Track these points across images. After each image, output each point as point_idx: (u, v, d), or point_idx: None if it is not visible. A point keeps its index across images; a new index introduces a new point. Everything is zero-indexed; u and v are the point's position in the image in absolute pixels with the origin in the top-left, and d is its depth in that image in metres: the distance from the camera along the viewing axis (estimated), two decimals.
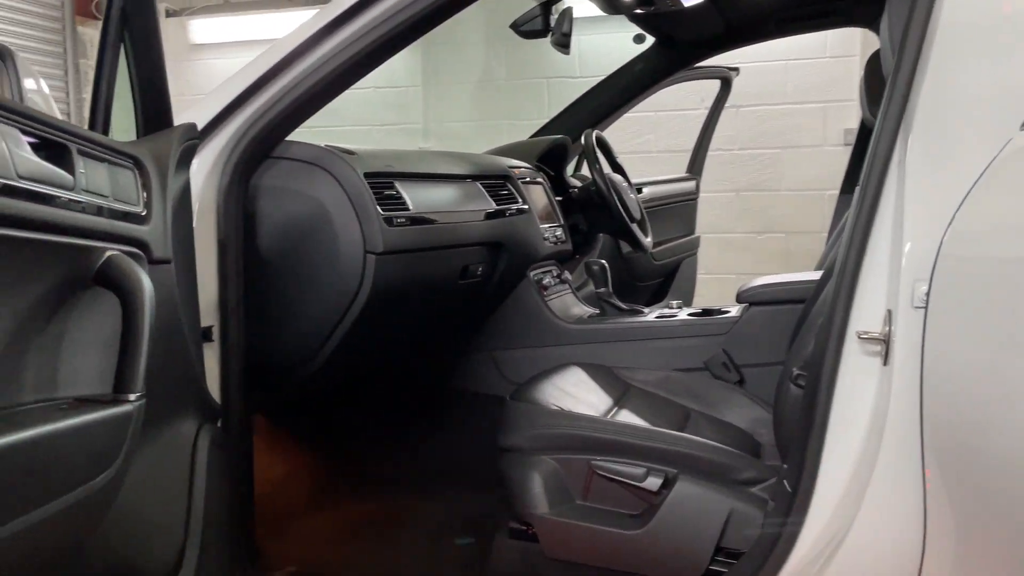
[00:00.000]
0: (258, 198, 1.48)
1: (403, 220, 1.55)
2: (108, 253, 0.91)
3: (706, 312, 2.01)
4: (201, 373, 1.23)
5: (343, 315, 1.50)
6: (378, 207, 1.49)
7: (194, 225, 1.32)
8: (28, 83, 1.03)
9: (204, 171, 1.40)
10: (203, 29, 5.38)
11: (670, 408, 1.73)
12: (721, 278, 4.56)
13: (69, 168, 0.86)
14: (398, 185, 1.60)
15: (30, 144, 0.81)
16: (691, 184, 3.64)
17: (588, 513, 1.44)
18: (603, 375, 1.80)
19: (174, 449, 1.12)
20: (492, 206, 1.89)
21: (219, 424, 1.31)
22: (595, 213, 2.41)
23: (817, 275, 1.81)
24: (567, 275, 2.24)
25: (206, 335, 1.38)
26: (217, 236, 1.41)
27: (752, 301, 1.90)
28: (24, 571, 0.75)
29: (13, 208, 0.74)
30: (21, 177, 0.76)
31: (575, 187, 2.49)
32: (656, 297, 3.38)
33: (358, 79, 1.40)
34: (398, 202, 1.57)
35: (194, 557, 1.11)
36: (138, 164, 1.06)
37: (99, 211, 0.91)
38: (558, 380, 1.70)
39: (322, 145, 1.52)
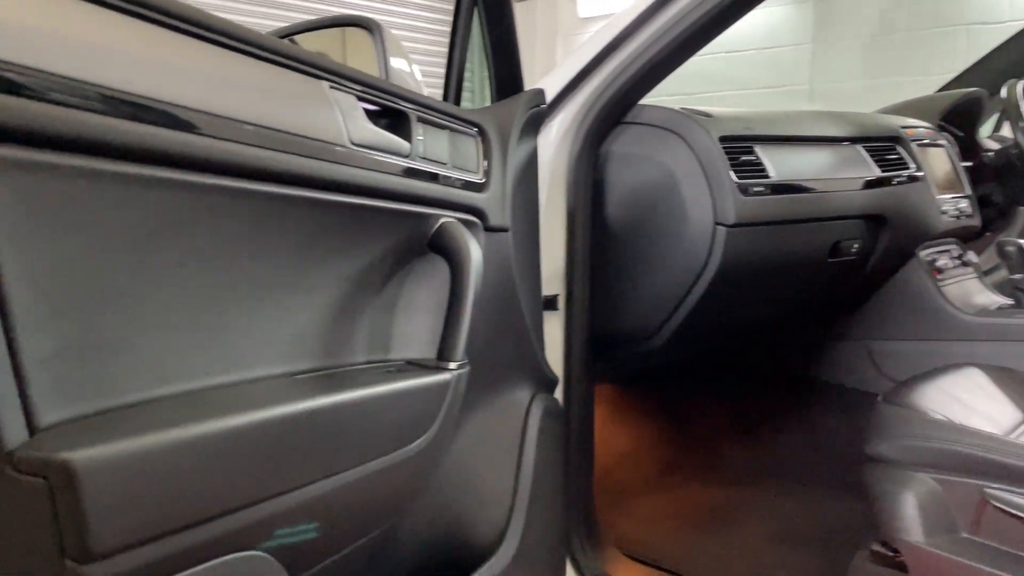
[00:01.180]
0: (606, 166, 1.43)
1: (761, 188, 1.38)
2: (442, 220, 0.91)
3: None
4: (538, 342, 1.22)
5: (688, 291, 1.39)
6: (732, 174, 1.35)
7: (543, 194, 1.32)
8: (396, 62, 1.07)
9: (555, 139, 1.38)
10: (590, 3, 5.59)
11: None
12: None
13: (406, 135, 0.88)
14: (758, 150, 1.43)
15: (369, 112, 0.83)
16: None
17: (976, 550, 1.17)
18: (1011, 383, 1.46)
19: (505, 417, 1.13)
20: (875, 173, 1.62)
21: (556, 395, 1.30)
22: (1016, 181, 1.97)
23: None
24: (972, 256, 1.86)
25: (551, 304, 1.38)
26: (566, 205, 1.39)
27: None
28: (347, 526, 0.79)
29: (344, 175, 0.76)
30: (354, 144, 0.78)
31: (990, 150, 2.06)
32: None
33: (714, 36, 1.27)
34: (757, 168, 1.41)
35: (519, 528, 1.11)
36: (481, 132, 1.06)
37: (435, 179, 0.92)
38: (948, 383, 1.41)
39: (677, 108, 1.42)
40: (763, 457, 1.91)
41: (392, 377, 0.82)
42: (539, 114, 1.23)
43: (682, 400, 2.05)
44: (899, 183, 1.66)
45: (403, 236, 0.89)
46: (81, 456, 0.50)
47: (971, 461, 1.19)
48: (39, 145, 0.52)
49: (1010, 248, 1.73)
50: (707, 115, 1.42)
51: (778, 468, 1.87)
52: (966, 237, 1.93)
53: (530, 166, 1.22)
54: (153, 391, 0.61)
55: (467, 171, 1.01)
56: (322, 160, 0.74)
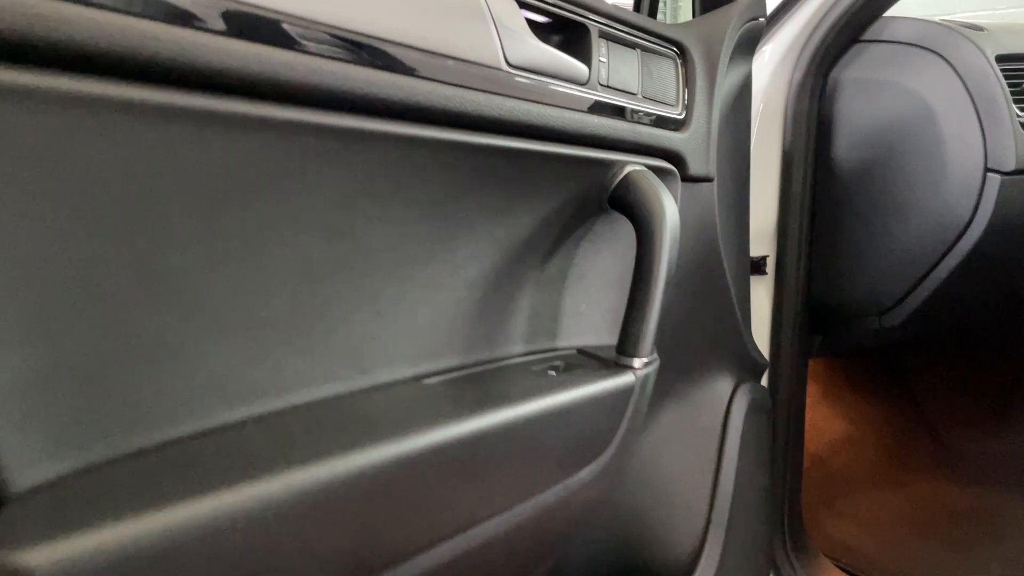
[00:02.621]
0: (837, 96, 1.15)
1: None
2: (628, 168, 0.70)
3: None
4: (744, 319, 0.99)
5: (942, 257, 1.10)
6: (1014, 107, 1.03)
7: (754, 132, 1.07)
8: None
9: (772, 63, 1.12)
10: None
11: None
12: None
13: (585, 55, 0.67)
14: None
15: (535, 25, 0.63)
16: None
17: None
18: None
19: (702, 412, 0.91)
20: None
21: (763, 382, 1.07)
22: None
23: None
24: None
25: (758, 267, 1.13)
26: (782, 146, 1.13)
27: None
28: (505, 572, 0.61)
29: (498, 109, 0.57)
30: (513, 67, 0.58)
31: None
32: None
33: None
34: None
35: (717, 546, 0.90)
36: (682, 51, 0.83)
37: (621, 113, 0.71)
38: None
39: (936, 20, 1.10)
40: (1015, 451, 1.56)
41: (558, 383, 0.62)
42: (757, 29, 0.97)
43: (916, 374, 1.73)
44: None
45: (577, 189, 0.68)
46: (49, 559, 0.32)
47: None
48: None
49: None
50: (978, 28, 1.09)
51: None
52: None
53: (742, 97, 0.97)
54: (210, 419, 0.44)
55: (663, 104, 0.78)
56: (470, 89, 0.55)
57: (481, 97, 0.56)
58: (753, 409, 0.97)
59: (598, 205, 0.71)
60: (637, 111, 0.73)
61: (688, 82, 0.83)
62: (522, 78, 0.59)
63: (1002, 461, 1.56)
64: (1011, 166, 1.02)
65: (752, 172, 1.12)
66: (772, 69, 1.13)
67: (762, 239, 1.15)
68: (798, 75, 1.12)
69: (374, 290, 0.53)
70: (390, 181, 0.52)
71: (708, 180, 0.85)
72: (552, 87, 0.63)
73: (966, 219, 1.06)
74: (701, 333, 0.89)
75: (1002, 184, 1.02)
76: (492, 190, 0.61)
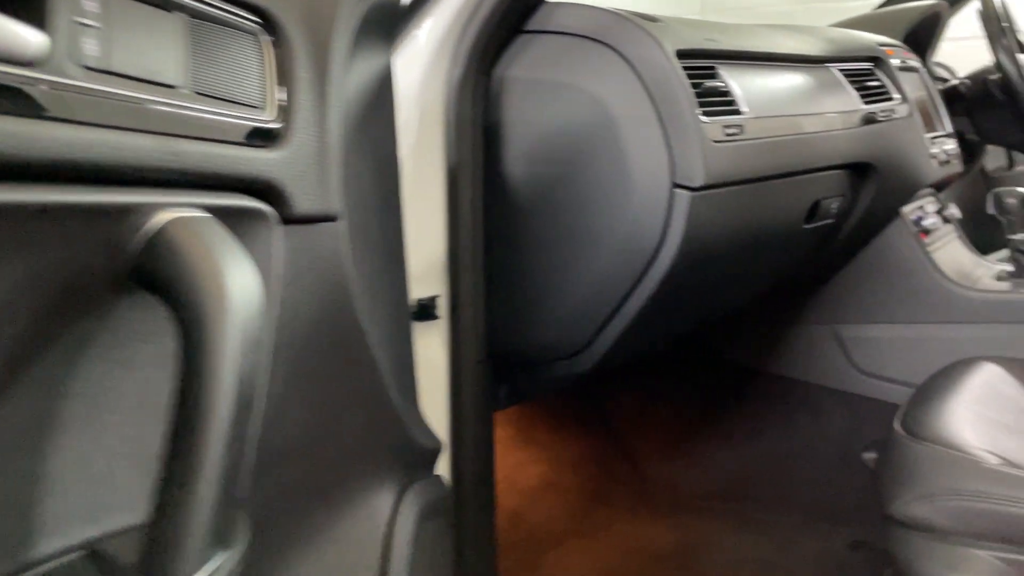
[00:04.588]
0: (504, 100, 0.94)
1: (735, 131, 0.92)
2: (160, 219, 0.40)
3: None
4: (405, 393, 0.73)
5: (634, 286, 0.93)
6: (698, 111, 0.88)
7: (406, 144, 0.83)
8: None
9: (425, 56, 0.88)
10: None
11: None
12: None
13: (37, 11, 0.35)
14: (723, 72, 0.97)
15: None
16: None
17: None
18: None
19: (349, 554, 0.63)
20: (858, 105, 1.20)
21: (439, 462, 0.82)
22: (992, 115, 1.61)
23: None
24: (954, 210, 1.49)
25: (427, 311, 0.89)
26: (446, 160, 0.89)
27: None
28: None
29: None
30: None
31: (960, 80, 1.69)
32: None
33: None
34: (726, 100, 0.95)
35: None
36: (271, 26, 0.54)
37: (143, 116, 0.40)
38: (975, 394, 1.02)
39: (607, 9, 0.93)
40: (716, 478, 1.50)
41: None
42: (389, 7, 0.72)
43: (613, 404, 1.61)
44: (886, 119, 1.24)
45: (67, 261, 0.37)
46: None
47: None
48: None
49: (1011, 200, 1.36)
50: (653, 19, 0.94)
51: (736, 492, 1.47)
52: (941, 186, 1.55)
53: (380, 99, 0.71)
54: None
55: (237, 105, 0.49)
56: None
57: None
58: (426, 516, 0.71)
59: (115, 283, 0.40)
60: (182, 115, 0.43)
61: (284, 74, 0.54)
62: None
63: (699, 487, 1.49)
64: (700, 181, 0.87)
65: (412, 194, 0.87)
66: (426, 63, 0.89)
67: (431, 275, 0.90)
68: (457, 72, 0.89)
69: None
70: None
71: (330, 219, 0.57)
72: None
73: (655, 243, 0.89)
74: (337, 440, 0.61)
75: (692, 201, 0.87)
76: None
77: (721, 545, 1.36)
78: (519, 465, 1.43)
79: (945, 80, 1.79)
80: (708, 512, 1.44)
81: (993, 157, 2.24)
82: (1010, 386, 1.07)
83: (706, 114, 0.89)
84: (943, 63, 2.00)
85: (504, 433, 1.46)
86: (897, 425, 0.97)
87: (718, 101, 0.93)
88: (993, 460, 0.87)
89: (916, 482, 0.89)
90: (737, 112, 0.95)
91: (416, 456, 0.71)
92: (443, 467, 0.92)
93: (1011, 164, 2.30)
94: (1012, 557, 0.82)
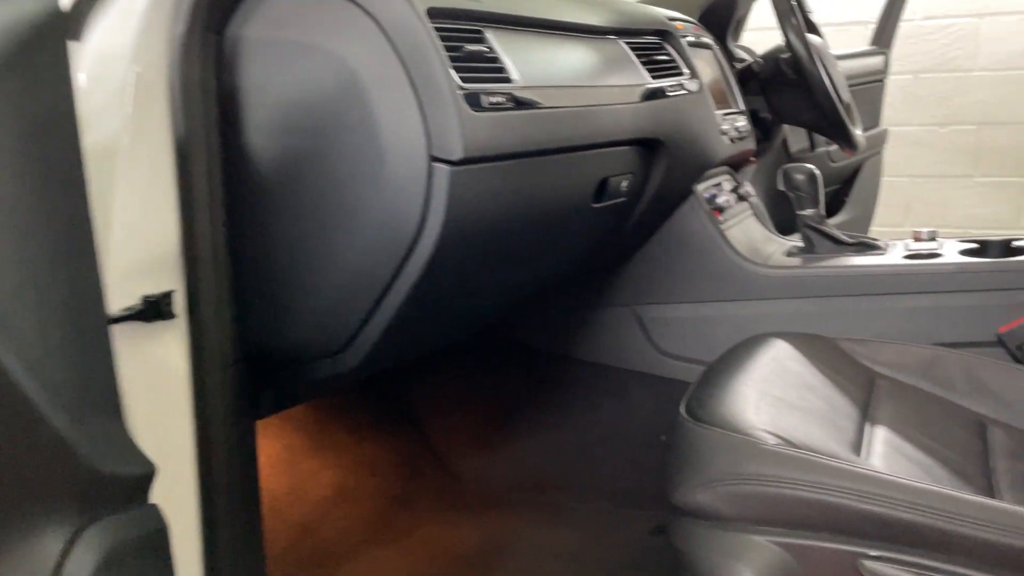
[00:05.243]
0: (240, 63, 0.82)
1: (500, 100, 0.85)
2: None
3: (991, 248, 1.24)
4: (90, 419, 0.60)
5: (397, 271, 0.84)
6: (454, 74, 0.79)
7: (127, 112, 0.70)
8: None
9: (137, 11, 0.75)
10: None
11: (954, 418, 1.01)
12: (892, 182, 3.64)
13: None
14: (491, 37, 0.89)
15: None
16: (878, 60, 2.77)
17: None
18: (829, 358, 1.09)
19: None
20: (646, 80, 1.16)
21: (165, 486, 0.69)
22: (785, 95, 1.63)
23: None
24: (748, 188, 1.50)
25: (155, 310, 0.76)
26: (174, 133, 0.77)
27: None
28: None
29: None
30: None
31: (754, 59, 1.71)
32: (828, 212, 2.60)
33: None
34: (492, 67, 0.87)
35: None
36: None
37: None
38: (761, 372, 1.01)
39: None
40: (525, 470, 1.44)
41: None
42: None
43: (418, 398, 1.52)
44: (675, 94, 1.21)
45: None
46: None
47: (838, 515, 0.78)
48: None
49: (799, 176, 1.37)
50: None
51: (546, 482, 1.41)
52: (736, 165, 1.56)
53: (35, 48, 0.58)
54: None
55: None
56: None
57: None
58: (117, 559, 0.59)
59: None
60: None
61: None
62: None
63: (505, 479, 1.42)
64: (459, 154, 0.78)
65: (131, 173, 0.74)
66: (141, 19, 0.75)
67: (161, 268, 0.77)
68: (180, 29, 0.77)
69: None
70: None
71: None
72: None
73: (416, 223, 0.80)
74: None
75: (453, 177, 0.79)
76: None
77: (530, 540, 1.30)
78: (311, 474, 1.31)
79: (744, 61, 1.82)
80: (518, 505, 1.39)
81: (797, 139, 2.32)
82: (796, 362, 1.06)
83: (467, 80, 0.81)
84: (745, 46, 2.04)
85: (293, 440, 1.34)
86: (682, 409, 0.94)
87: (483, 68, 0.85)
88: (772, 441, 0.84)
89: (698, 468, 0.86)
90: (506, 80, 0.87)
91: (102, 487, 0.59)
92: (186, 489, 0.80)
93: (813, 146, 2.39)
94: (788, 541, 0.79)
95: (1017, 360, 1.13)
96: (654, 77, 1.18)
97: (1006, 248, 1.24)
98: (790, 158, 2.23)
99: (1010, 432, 1.00)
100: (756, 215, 1.50)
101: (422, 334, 1.01)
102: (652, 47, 1.24)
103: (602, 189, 1.09)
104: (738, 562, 0.80)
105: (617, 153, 1.10)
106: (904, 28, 3.60)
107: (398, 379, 1.48)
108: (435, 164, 0.78)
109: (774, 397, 0.95)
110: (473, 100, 0.80)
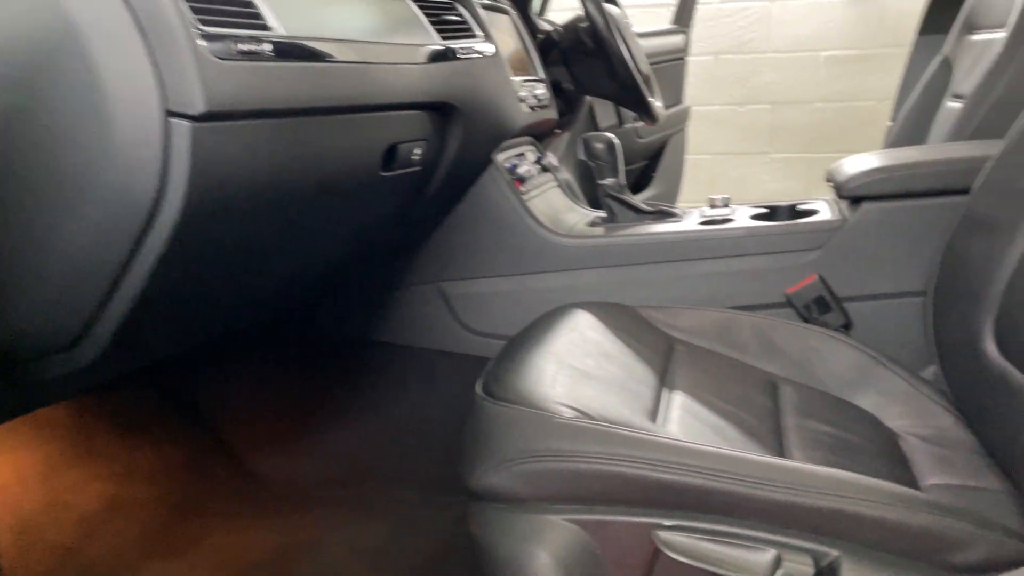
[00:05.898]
0: None
1: (256, 49, 0.74)
2: None
3: (779, 213, 1.28)
4: None
5: (136, 246, 0.72)
6: (187, 11, 0.68)
7: None
8: None
9: None
10: None
11: (747, 379, 1.02)
12: (697, 159, 3.81)
13: None
14: None
15: None
16: (679, 39, 2.86)
17: None
18: (629, 325, 1.07)
19: None
20: (435, 40, 1.08)
21: None
22: (587, 65, 1.62)
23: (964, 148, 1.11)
24: (551, 159, 1.47)
25: None
26: None
27: (866, 195, 1.17)
28: None
29: None
30: None
31: (554, 28, 1.68)
32: (634, 189, 2.66)
33: None
34: (243, 11, 0.76)
35: None
36: None
37: None
38: (560, 343, 0.97)
39: None
40: (332, 463, 1.34)
41: None
42: None
43: (208, 394, 1.37)
44: (468, 57, 1.15)
45: None
46: None
47: (633, 486, 0.74)
48: None
49: (598, 145, 1.35)
50: None
51: (355, 475, 1.32)
52: (540, 135, 1.53)
53: None
54: None
55: None
56: None
57: None
58: None
59: None
60: None
61: None
62: None
63: (309, 476, 1.32)
64: (201, 107, 0.68)
65: None
66: None
67: None
68: None
69: None
70: None
71: None
72: None
73: (154, 190, 0.69)
74: None
75: (195, 134, 0.68)
76: None
77: (334, 539, 1.21)
78: (75, 486, 1.15)
79: (561, 26, 1.78)
80: (323, 503, 1.29)
81: (605, 114, 2.34)
82: (596, 331, 1.03)
83: (208, 23, 0.70)
84: (549, 19, 2.02)
85: (52, 449, 1.17)
86: (478, 387, 0.88)
87: (231, 11, 0.74)
88: (568, 414, 0.79)
89: (493, 448, 0.80)
90: (263, 27, 0.77)
91: None
92: None
93: (621, 121, 2.42)
94: (584, 518, 0.75)
95: (804, 319, 1.17)
96: (444, 38, 1.11)
97: (792, 211, 1.28)
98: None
99: (798, 389, 1.02)
100: (560, 186, 1.47)
101: (184, 322, 0.89)
102: (442, 6, 1.17)
103: (391, 156, 1.01)
104: (535, 545, 0.75)
105: (405, 117, 1.02)
106: (704, 10, 3.76)
107: (180, 372, 1.33)
108: (172, 120, 0.67)
109: (572, 368, 0.91)
110: (218, 46, 0.69)
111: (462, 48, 1.14)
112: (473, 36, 1.20)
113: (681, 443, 0.76)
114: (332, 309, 1.41)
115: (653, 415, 0.86)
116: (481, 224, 1.29)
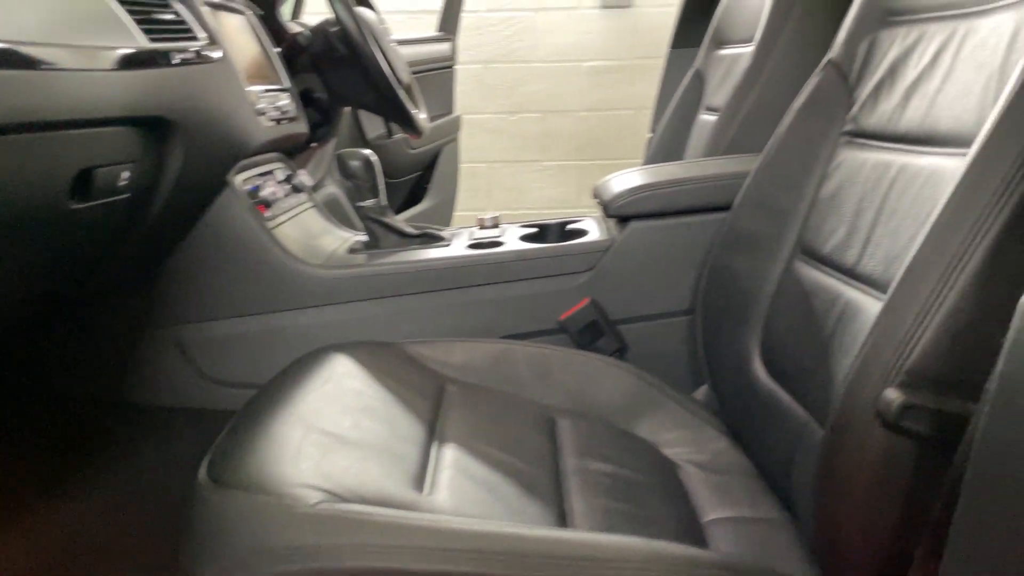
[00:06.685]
0: None
1: None
2: None
3: (550, 232, 1.21)
4: None
5: None
6: None
7: None
8: None
9: None
10: None
11: (524, 417, 0.94)
12: (472, 168, 3.78)
13: None
14: None
15: None
16: (446, 47, 2.79)
17: None
18: (394, 368, 0.95)
19: None
20: (139, 41, 0.90)
21: None
22: (339, 73, 1.47)
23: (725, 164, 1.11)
24: (304, 178, 1.31)
25: None
26: None
27: (632, 214, 1.13)
28: None
29: None
30: None
31: (302, 32, 1.52)
32: (409, 201, 2.56)
33: None
34: None
35: None
36: None
37: None
38: (309, 401, 0.82)
39: None
40: (44, 547, 1.10)
41: None
42: None
43: None
44: (183, 62, 0.97)
45: None
46: None
47: None
48: None
49: (355, 163, 1.22)
50: None
51: (75, 561, 1.08)
52: (290, 150, 1.36)
53: None
54: None
55: None
56: None
57: None
58: None
59: None
60: None
61: None
62: None
63: (18, 564, 1.07)
64: None
65: None
66: None
67: None
68: None
69: None
70: None
71: None
72: None
73: None
74: None
75: None
76: None
77: None
78: None
79: (309, 30, 1.62)
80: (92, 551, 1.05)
81: (373, 125, 2.20)
82: (356, 379, 0.90)
83: None
84: (302, 22, 1.85)
85: None
86: (203, 470, 0.71)
87: None
88: (313, 497, 0.65)
89: (219, 546, 0.64)
90: None
91: None
92: None
93: (391, 132, 2.29)
94: None
95: (580, 345, 1.10)
96: (153, 39, 0.92)
97: (563, 231, 1.22)
98: (368, 146, 2.11)
99: (576, 423, 0.95)
100: (317, 207, 1.32)
101: None
102: (152, 3, 0.98)
103: (86, 184, 0.81)
104: None
105: (101, 136, 0.83)
106: (471, 19, 3.73)
107: None
108: None
109: (323, 433, 0.77)
110: None
111: (177, 50, 0.95)
112: (193, 38, 1.02)
113: (447, 524, 0.65)
114: (56, 363, 1.17)
115: (420, 481, 0.74)
116: (219, 256, 1.11)
